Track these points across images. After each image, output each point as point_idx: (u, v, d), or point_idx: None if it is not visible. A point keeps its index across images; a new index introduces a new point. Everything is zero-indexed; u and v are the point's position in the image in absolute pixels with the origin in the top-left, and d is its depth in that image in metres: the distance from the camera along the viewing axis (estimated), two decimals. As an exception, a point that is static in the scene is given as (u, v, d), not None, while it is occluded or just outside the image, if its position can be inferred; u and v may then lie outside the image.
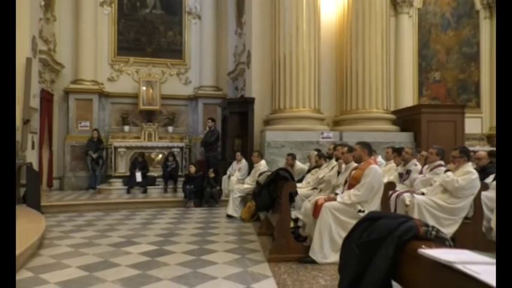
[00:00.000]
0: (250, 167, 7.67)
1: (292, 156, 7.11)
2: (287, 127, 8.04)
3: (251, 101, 8.66)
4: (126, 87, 11.51)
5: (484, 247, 3.36)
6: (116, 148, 10.34)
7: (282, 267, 3.90)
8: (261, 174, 6.35)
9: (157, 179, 9.82)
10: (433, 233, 1.69)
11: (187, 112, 12.13)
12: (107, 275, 3.62)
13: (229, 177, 8.12)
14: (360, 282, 1.72)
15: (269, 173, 5.59)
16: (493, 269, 1.25)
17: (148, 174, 9.84)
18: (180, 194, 8.60)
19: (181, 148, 10.85)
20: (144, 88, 11.39)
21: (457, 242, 4.30)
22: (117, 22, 11.57)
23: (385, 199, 4.40)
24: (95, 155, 10.17)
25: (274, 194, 5.13)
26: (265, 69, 8.73)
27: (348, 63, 8.62)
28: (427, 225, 1.72)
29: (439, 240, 1.67)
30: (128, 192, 9.25)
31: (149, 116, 11.51)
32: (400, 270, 1.65)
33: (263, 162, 7.31)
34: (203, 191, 8.13)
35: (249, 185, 7.15)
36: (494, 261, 1.40)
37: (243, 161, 8.04)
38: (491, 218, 4.61)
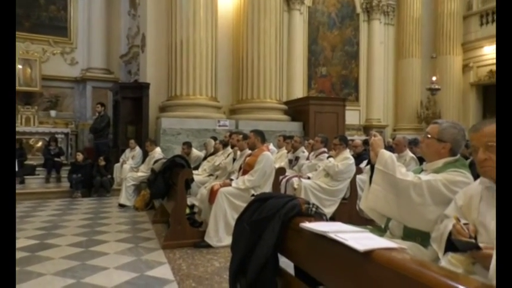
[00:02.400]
0: (145, 154, 7.44)
1: (188, 145, 7.09)
2: (183, 114, 7.95)
3: (146, 86, 8.35)
4: (-2, 64, 10.08)
5: (357, 222, 3.86)
6: (-16, 134, 9.01)
7: (177, 253, 3.92)
8: (156, 161, 6.24)
9: (37, 168, 8.88)
10: (313, 209, 1.92)
11: (74, 95, 11.15)
12: (-25, 276, 3.21)
13: (121, 165, 7.76)
14: (251, 257, 1.87)
15: (165, 160, 5.52)
16: (357, 235, 1.49)
17: (26, 162, 8.83)
18: (65, 184, 7.93)
19: (66, 134, 9.95)
20: (21, 67, 10.13)
21: (336, 220, 4.84)
22: (-15, -12, 10.00)
23: (276, 183, 4.72)
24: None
25: (169, 181, 5.09)
26: (161, 54, 8.47)
27: (244, 54, 8.86)
28: (308, 203, 1.94)
29: (318, 216, 1.90)
30: (1, 183, 8.18)
31: (27, 98, 10.29)
32: (285, 243, 1.83)
33: (158, 149, 7.16)
34: (92, 180, 7.64)
35: (143, 172, 6.94)
36: (360, 230, 1.67)
37: (137, 149, 7.74)
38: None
